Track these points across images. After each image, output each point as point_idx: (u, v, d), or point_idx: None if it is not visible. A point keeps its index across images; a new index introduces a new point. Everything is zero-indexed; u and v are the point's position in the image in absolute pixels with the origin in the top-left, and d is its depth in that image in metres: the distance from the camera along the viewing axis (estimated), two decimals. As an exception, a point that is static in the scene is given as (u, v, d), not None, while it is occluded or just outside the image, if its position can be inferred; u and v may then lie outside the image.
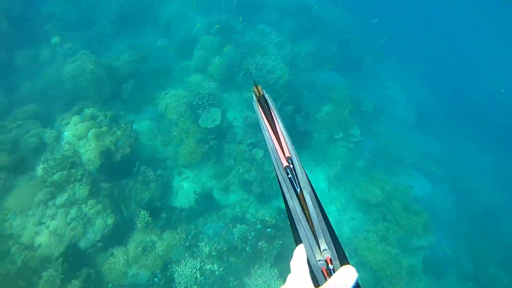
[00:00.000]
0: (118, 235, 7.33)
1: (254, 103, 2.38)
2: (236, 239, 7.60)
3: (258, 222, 7.93)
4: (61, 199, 6.99)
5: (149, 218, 7.42)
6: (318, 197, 1.72)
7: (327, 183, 10.65)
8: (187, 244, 7.60)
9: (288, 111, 10.81)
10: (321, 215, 1.52)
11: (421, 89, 17.76)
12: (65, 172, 7.18)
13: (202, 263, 7.17)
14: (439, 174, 13.49)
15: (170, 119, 10.40)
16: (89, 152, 7.45)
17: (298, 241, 1.45)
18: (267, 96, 2.39)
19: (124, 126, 8.41)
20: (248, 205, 9.42)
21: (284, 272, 7.63)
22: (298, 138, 10.81)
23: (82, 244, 6.87)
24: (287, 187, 1.67)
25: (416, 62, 19.08)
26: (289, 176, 1.71)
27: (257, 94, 2.39)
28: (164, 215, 7.87)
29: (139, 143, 9.24)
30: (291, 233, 1.61)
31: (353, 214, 10.06)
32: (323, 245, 1.36)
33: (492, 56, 24.35)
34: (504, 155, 16.66)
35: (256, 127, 10.23)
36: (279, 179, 1.75)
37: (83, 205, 7.07)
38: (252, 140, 10.18)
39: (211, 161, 9.85)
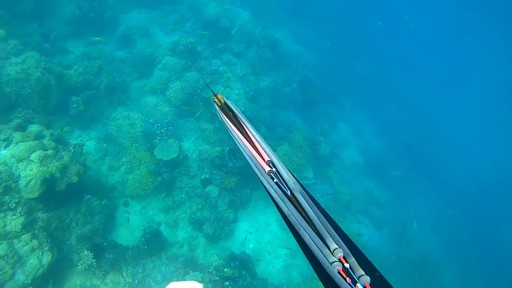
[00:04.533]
0: (53, 276, 6.85)
1: (217, 113, 2.50)
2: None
3: (214, 270, 7.93)
4: (-12, 231, 6.41)
5: (93, 260, 7.07)
6: (313, 196, 1.73)
7: (279, 224, 11.01)
8: (132, 290, 7.34)
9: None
10: (319, 212, 1.57)
11: (373, 135, 19.31)
12: (-4, 199, 6.63)
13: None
14: (383, 220, 14.68)
15: (121, 143, 10.13)
16: (29, 178, 6.96)
17: (305, 249, 1.46)
18: (229, 103, 2.52)
19: (73, 150, 8.01)
20: (197, 244, 9.41)
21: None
22: (254, 178, 11.09)
23: None
24: (276, 193, 1.71)
25: (371, 109, 20.72)
26: (275, 180, 1.77)
27: (218, 103, 2.57)
28: (111, 256, 7.53)
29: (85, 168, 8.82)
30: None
31: (303, 260, 10.49)
32: (332, 245, 1.39)
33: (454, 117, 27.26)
34: (442, 204, 18.65)
35: (211, 162, 10.37)
36: (266, 187, 1.80)
37: (15, 241, 6.54)
38: (207, 176, 10.27)
39: (162, 194, 9.71)
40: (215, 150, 10.44)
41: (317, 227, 1.50)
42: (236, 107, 2.54)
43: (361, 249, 1.52)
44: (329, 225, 1.51)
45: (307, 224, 1.53)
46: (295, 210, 1.60)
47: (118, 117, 10.61)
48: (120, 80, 11.53)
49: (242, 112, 2.45)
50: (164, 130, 10.09)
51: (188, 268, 8.14)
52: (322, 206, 1.70)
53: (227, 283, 7.66)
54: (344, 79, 20.91)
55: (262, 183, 1.89)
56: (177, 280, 7.08)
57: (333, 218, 1.56)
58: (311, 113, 15.94)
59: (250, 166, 2.06)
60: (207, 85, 3.62)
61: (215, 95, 2.65)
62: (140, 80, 12.32)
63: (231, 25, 15.58)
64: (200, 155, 10.63)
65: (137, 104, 11.51)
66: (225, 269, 8.00)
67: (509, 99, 31.14)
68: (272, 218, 11.00)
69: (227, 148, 10.54)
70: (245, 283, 8.13)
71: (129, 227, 8.94)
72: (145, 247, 8.09)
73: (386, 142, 19.53)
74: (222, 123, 2.54)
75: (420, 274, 13.93)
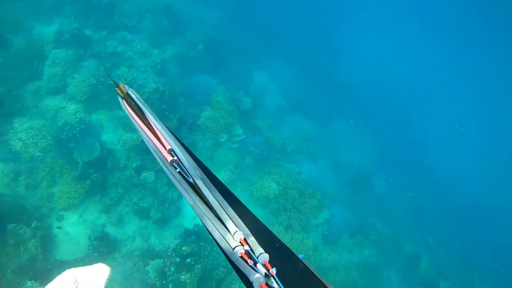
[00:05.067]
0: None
1: (121, 105, 2.36)
2: (152, 277, 7.34)
3: (172, 252, 7.78)
4: None
5: (40, 287, 6.49)
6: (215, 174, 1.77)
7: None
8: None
9: (172, 126, 10.66)
10: (221, 195, 1.58)
11: (290, 76, 19.60)
12: None
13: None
14: (317, 152, 15.50)
15: (33, 158, 9.05)
16: None
17: (213, 239, 1.46)
18: (131, 92, 2.37)
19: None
20: (149, 232, 9.12)
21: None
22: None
23: None
24: (180, 184, 1.68)
25: (284, 52, 20.71)
26: (177, 170, 1.72)
27: (121, 94, 2.39)
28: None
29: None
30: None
31: (255, 212, 10.75)
32: (233, 228, 1.42)
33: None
34: (364, 124, 20.11)
35: (138, 148, 9.83)
36: (170, 179, 1.76)
37: None
38: (138, 163, 9.74)
39: (96, 196, 9.05)
40: (138, 135, 9.83)
41: (218, 212, 1.49)
42: (137, 95, 2.35)
43: (266, 225, 1.58)
44: (230, 207, 1.52)
45: (209, 211, 1.52)
46: (198, 198, 1.58)
47: (18, 130, 9.35)
48: (6, 89, 10.02)
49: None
50: (77, 130, 9.19)
51: (147, 259, 7.92)
52: (226, 186, 1.69)
53: (188, 259, 7.62)
54: (252, 30, 20.43)
55: (167, 174, 1.84)
56: (139, 274, 6.85)
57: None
58: (225, 71, 15.55)
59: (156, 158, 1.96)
60: (108, 75, 3.29)
61: (117, 86, 2.44)
62: (32, 83, 10.81)
63: (117, -3, 14.09)
64: (124, 144, 9.97)
65: (37, 111, 10.17)
66: (183, 248, 7.92)
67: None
68: (215, 184, 10.95)
69: (150, 129, 9.98)
70: (206, 253, 8.18)
71: (72, 240, 8.29)
72: (95, 254, 7.63)
73: (304, 80, 20.02)
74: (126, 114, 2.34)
75: (357, 188, 15.26)
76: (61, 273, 7.11)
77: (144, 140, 2.04)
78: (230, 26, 18.66)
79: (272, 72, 18.85)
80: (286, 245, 1.42)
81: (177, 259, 7.60)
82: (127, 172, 9.59)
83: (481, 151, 27.46)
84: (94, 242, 7.92)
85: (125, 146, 9.87)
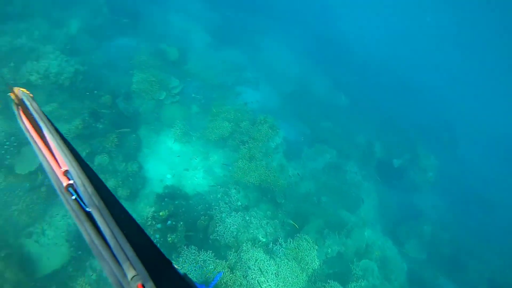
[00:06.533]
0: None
1: (16, 115, 1.79)
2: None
3: (152, 221, 7.90)
4: None
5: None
6: (119, 201, 1.48)
7: (178, 142, 10.87)
8: None
9: (107, 102, 10.03)
10: (120, 232, 1.29)
11: (205, 10, 18.37)
12: None
13: None
14: (256, 77, 15.37)
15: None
16: None
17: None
18: (25, 99, 1.78)
19: None
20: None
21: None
22: (130, 123, 10.36)
23: None
24: (76, 215, 1.35)
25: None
26: (74, 197, 1.38)
27: (16, 100, 1.80)
28: None
29: None
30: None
31: (216, 155, 10.86)
32: (131, 272, 1.20)
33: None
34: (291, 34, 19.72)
35: (80, 137, 9.28)
36: (68, 209, 1.40)
37: None
38: (87, 151, 9.30)
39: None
40: (73, 124, 9.23)
41: (115, 252, 1.24)
42: (33, 103, 1.76)
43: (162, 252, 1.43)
44: (130, 248, 1.26)
45: (107, 251, 1.26)
46: (94, 232, 1.30)
47: None
48: None
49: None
50: (7, 145, 8.44)
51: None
52: (129, 215, 1.45)
53: (169, 222, 7.83)
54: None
55: (63, 203, 1.45)
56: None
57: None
58: (140, 26, 14.30)
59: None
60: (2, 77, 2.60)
61: (12, 90, 1.81)
62: None
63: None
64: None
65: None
66: (161, 213, 8.05)
67: None
68: (169, 141, 10.78)
69: (86, 114, 9.44)
70: (183, 209, 8.40)
71: (47, 254, 7.82)
72: (79, 252, 7.59)
73: (220, 7, 18.85)
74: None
75: (301, 99, 15.52)
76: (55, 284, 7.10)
77: (41, 160, 1.59)
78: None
79: (187, 10, 17.52)
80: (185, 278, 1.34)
81: (159, 225, 7.79)
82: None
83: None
84: (74, 242, 7.78)
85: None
